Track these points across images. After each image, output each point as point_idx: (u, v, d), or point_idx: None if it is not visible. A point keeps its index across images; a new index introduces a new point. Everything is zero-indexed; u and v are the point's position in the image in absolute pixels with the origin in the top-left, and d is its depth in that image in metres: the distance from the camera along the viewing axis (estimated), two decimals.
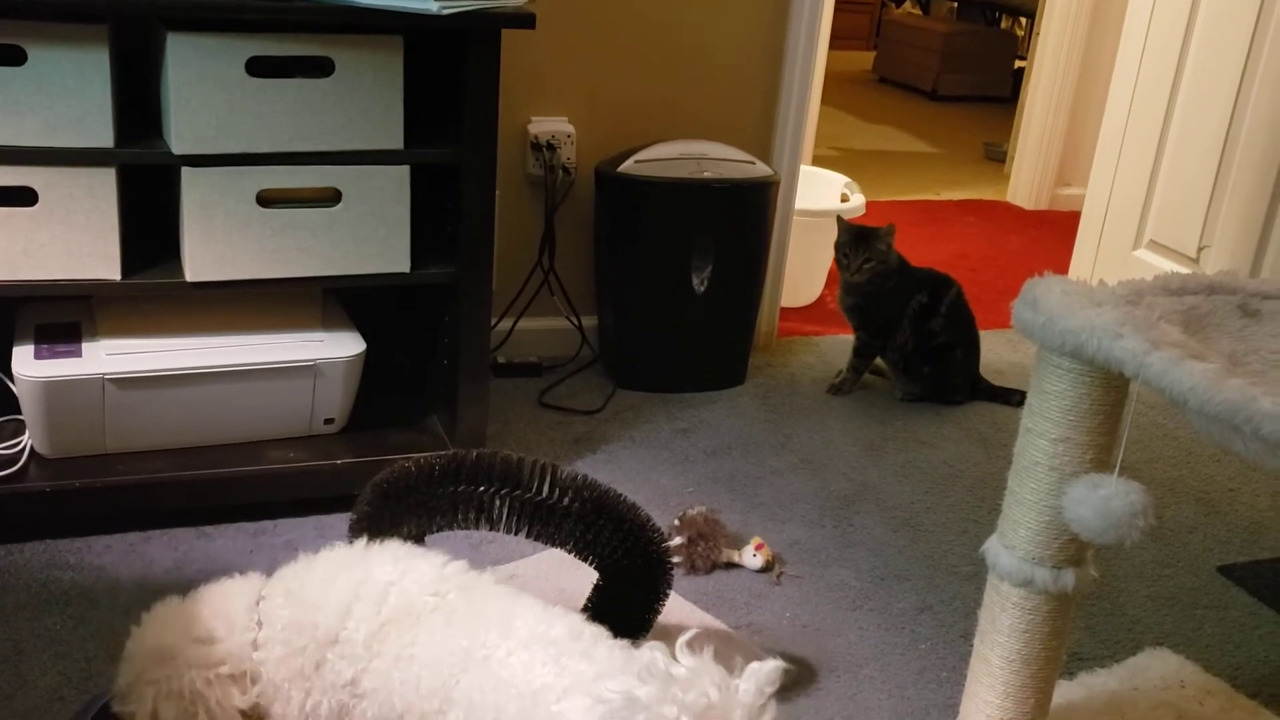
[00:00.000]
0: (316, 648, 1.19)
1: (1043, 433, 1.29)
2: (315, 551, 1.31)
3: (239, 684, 1.21)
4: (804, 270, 3.08)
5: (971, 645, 1.44)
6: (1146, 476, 2.38)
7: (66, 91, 1.66)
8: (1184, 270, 1.44)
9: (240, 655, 1.22)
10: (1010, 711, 1.41)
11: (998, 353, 2.95)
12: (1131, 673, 1.72)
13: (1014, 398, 2.62)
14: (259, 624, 1.23)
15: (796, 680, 1.67)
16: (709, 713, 0.94)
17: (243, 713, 1.22)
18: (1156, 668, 1.73)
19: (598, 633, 1.15)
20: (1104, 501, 1.19)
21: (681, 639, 0.99)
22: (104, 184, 1.73)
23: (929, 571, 1.98)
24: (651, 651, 0.98)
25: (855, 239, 2.57)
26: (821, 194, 3.21)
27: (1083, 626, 1.86)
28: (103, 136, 1.70)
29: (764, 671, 0.97)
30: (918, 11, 7.53)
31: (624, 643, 1.14)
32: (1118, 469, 1.25)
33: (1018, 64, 6.39)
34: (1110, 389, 1.26)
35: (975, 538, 2.07)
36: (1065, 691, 1.65)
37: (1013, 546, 1.35)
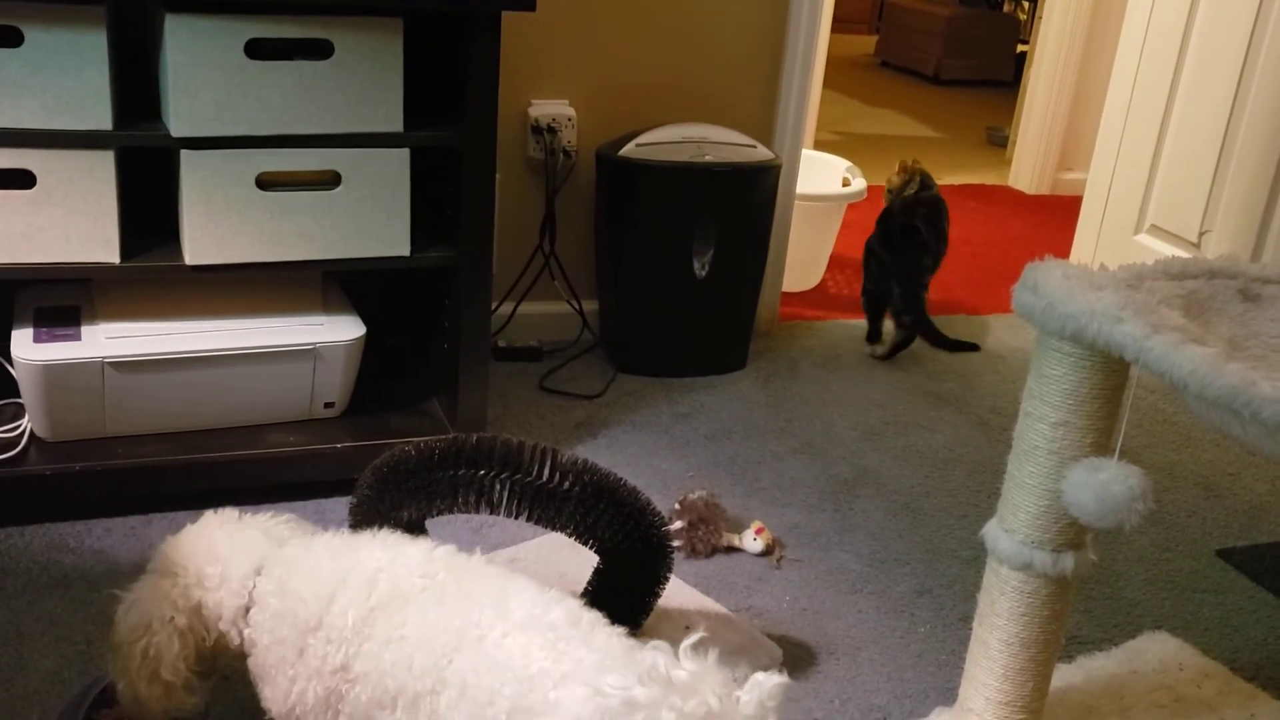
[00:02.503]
0: (298, 635, 1.20)
1: (1043, 417, 1.29)
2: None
3: (189, 637, 1.25)
4: (806, 255, 3.07)
5: (970, 629, 1.45)
6: (1146, 461, 2.38)
7: (64, 73, 1.66)
8: (1185, 255, 1.44)
9: (216, 614, 1.26)
10: (1009, 694, 1.41)
11: (998, 337, 2.95)
12: (1130, 656, 1.72)
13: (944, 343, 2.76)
14: (250, 598, 1.26)
15: (796, 663, 1.67)
16: None
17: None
18: (1155, 651, 1.74)
19: (595, 618, 1.14)
20: (1103, 485, 1.19)
21: (686, 642, 0.97)
22: (103, 166, 1.72)
23: (928, 555, 1.98)
24: (654, 653, 0.96)
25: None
26: (823, 178, 3.20)
27: (1082, 610, 1.86)
28: (101, 119, 1.69)
29: (768, 685, 0.95)
30: None
31: (622, 630, 1.13)
32: (1117, 453, 1.25)
33: (1020, 48, 6.38)
34: (1110, 373, 1.26)
35: (975, 522, 2.08)
36: (1064, 674, 1.65)
37: (1012, 530, 1.35)
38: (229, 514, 1.35)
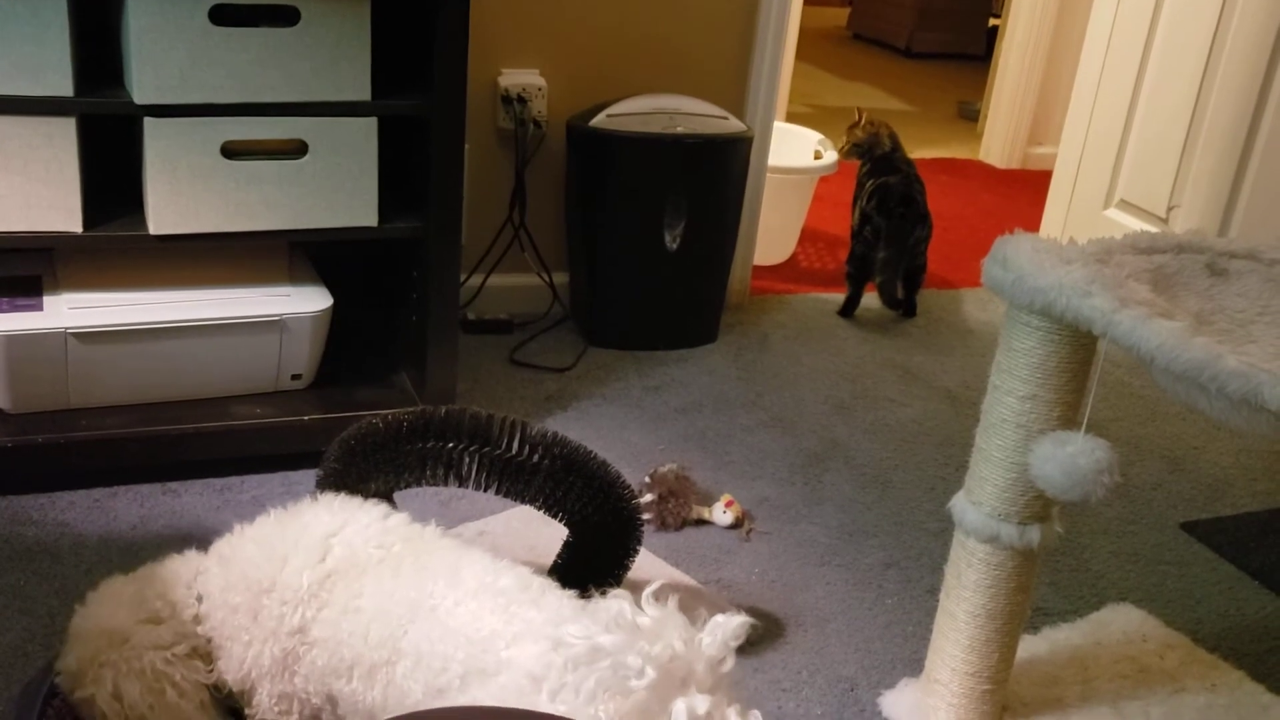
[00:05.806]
0: (252, 598, 1.19)
1: (1011, 390, 1.29)
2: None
3: (199, 659, 1.21)
4: (777, 228, 3.07)
5: (937, 600, 1.46)
6: (1112, 434, 2.40)
7: (24, 38, 1.62)
8: (1153, 229, 1.44)
9: (184, 633, 1.23)
10: (975, 665, 1.42)
11: (968, 311, 2.96)
12: (1095, 627, 1.74)
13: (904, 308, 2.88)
14: (199, 599, 1.24)
15: (764, 635, 1.68)
16: (673, 664, 0.94)
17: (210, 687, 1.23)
18: (1119, 622, 1.76)
19: (546, 583, 1.16)
20: (1070, 458, 1.20)
21: (647, 590, 0.99)
22: (64, 134, 1.69)
23: (896, 528, 1.99)
24: (618, 601, 0.98)
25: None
26: (795, 151, 3.20)
27: (1047, 582, 1.88)
28: (62, 85, 1.66)
29: (728, 625, 0.98)
30: None
31: (573, 593, 1.15)
32: (1084, 426, 1.25)
33: (992, 21, 6.37)
34: (1078, 347, 1.26)
35: (943, 494, 2.09)
36: (1029, 645, 1.67)
37: (979, 503, 1.35)
38: (116, 578, 1.29)
